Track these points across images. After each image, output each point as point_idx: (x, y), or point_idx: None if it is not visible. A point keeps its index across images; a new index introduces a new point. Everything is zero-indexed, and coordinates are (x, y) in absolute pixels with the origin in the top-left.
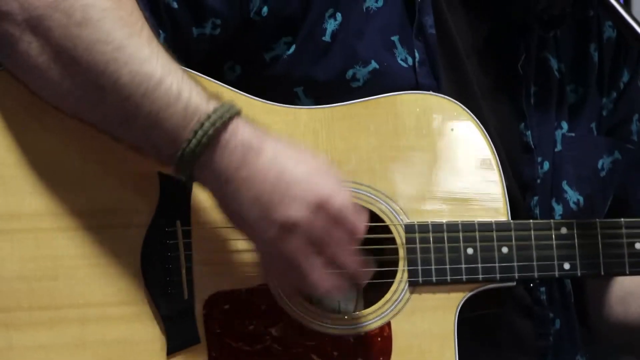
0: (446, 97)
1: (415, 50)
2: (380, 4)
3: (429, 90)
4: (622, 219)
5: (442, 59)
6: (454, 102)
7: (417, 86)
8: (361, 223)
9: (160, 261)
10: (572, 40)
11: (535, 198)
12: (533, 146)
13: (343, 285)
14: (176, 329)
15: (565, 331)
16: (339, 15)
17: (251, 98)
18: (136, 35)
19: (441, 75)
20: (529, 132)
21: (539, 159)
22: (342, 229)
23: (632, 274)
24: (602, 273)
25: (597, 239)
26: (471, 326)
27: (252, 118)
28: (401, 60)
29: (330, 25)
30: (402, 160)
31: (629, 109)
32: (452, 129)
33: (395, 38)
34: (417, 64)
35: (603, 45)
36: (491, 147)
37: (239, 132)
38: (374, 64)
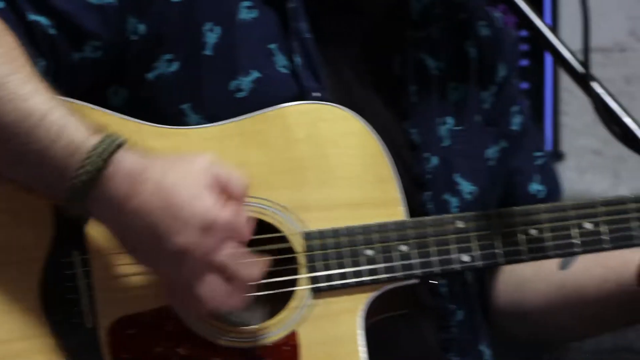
0: (333, 104)
1: (294, 56)
2: (254, 14)
3: (314, 94)
4: (515, 207)
5: (322, 63)
6: (342, 108)
7: (301, 91)
8: (249, 232)
9: (60, 293)
10: (449, 40)
11: (428, 193)
12: (419, 143)
13: (247, 299)
14: (82, 359)
15: (468, 322)
16: (217, 29)
17: (140, 123)
18: (17, 71)
19: (324, 79)
20: (413, 130)
21: (427, 155)
22: (234, 245)
23: (530, 259)
24: (501, 262)
25: (493, 229)
26: (378, 329)
27: (140, 144)
28: (282, 67)
29: (211, 39)
30: (296, 170)
31: (508, 101)
32: (342, 135)
33: (273, 46)
34: (297, 68)
35: (480, 42)
36: (382, 149)
37: (124, 163)
38: (255, 74)
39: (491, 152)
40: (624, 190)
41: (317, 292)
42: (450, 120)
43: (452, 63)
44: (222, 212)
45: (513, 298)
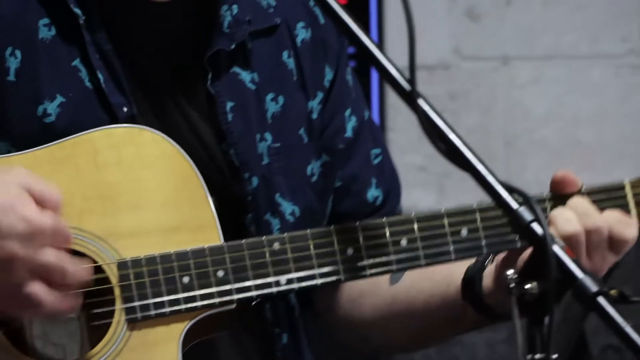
0: (143, 127)
1: (98, 71)
2: (53, 31)
3: (122, 109)
4: (332, 226)
5: (130, 78)
6: (152, 131)
7: (109, 107)
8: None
9: None
10: (265, 50)
11: (249, 215)
12: (238, 164)
13: (76, 304)
14: None
15: (292, 346)
16: (18, 52)
17: None
18: None
19: (131, 94)
20: (231, 151)
21: (247, 176)
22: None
23: (347, 280)
24: (319, 284)
25: (309, 249)
26: (199, 353)
27: None
28: (87, 84)
29: (12, 64)
30: (108, 196)
31: (339, 105)
32: (153, 158)
33: (76, 62)
34: (102, 84)
35: (298, 50)
36: (195, 171)
37: None
38: (59, 98)
39: (313, 167)
40: (449, 205)
41: (133, 323)
42: (269, 137)
43: (268, 74)
44: (42, 218)
45: (349, 311)
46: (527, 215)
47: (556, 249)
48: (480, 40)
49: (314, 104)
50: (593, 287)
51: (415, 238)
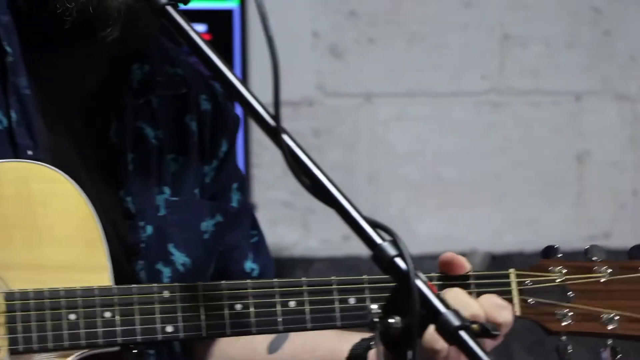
0: (45, 164)
1: (11, 111)
2: None
3: (27, 152)
4: (223, 282)
5: (42, 122)
6: (52, 169)
7: (14, 147)
8: None
9: None
10: (170, 111)
11: (141, 262)
12: (134, 212)
13: None
14: None
15: None
16: None
17: None
18: None
19: (39, 138)
20: (129, 199)
21: (142, 224)
22: None
23: (233, 334)
24: (204, 335)
25: (198, 301)
26: None
27: None
28: (3, 117)
29: None
30: (2, 228)
31: (229, 177)
32: (52, 196)
33: None
34: (13, 124)
35: (201, 116)
36: (93, 213)
37: None
38: None
39: (207, 225)
40: (313, 241)
41: (16, 355)
42: (167, 190)
43: (172, 134)
44: None
45: None
46: (391, 250)
47: (419, 283)
48: (344, 77)
49: (209, 169)
50: (455, 321)
51: (304, 301)
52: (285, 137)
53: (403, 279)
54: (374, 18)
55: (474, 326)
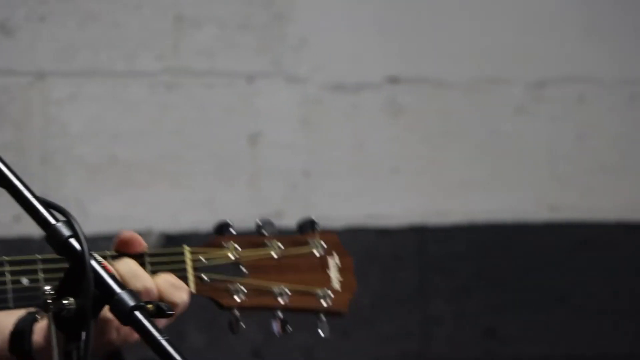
0: None
1: None
2: None
3: None
4: None
5: None
6: None
7: None
8: None
9: None
10: None
11: None
12: None
13: None
14: None
15: None
16: None
17: None
18: None
19: None
20: None
21: None
22: None
23: None
24: None
25: None
26: None
27: None
28: None
29: None
30: None
31: None
32: None
33: None
34: None
35: None
36: None
37: None
38: None
39: None
40: None
41: None
42: None
43: None
44: None
45: None
46: (65, 230)
47: (94, 264)
48: (14, 54)
49: None
50: (130, 302)
51: None
52: None
53: (77, 260)
54: None
55: (149, 306)
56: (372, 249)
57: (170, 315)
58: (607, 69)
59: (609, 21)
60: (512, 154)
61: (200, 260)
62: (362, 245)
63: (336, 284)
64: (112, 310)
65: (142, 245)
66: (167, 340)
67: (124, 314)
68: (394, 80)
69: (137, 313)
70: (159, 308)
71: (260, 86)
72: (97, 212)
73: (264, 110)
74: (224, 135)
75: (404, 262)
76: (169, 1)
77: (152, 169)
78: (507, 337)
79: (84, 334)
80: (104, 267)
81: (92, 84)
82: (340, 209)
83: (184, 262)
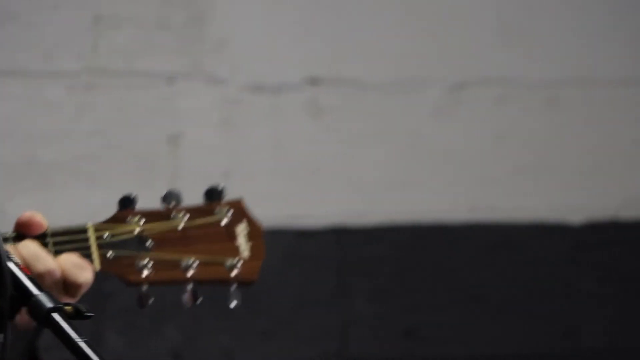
0: None
1: None
2: None
3: None
4: None
5: None
6: None
7: None
8: None
9: None
10: None
11: None
12: None
13: None
14: None
15: None
16: None
17: None
18: None
19: None
20: None
21: None
22: None
23: None
24: None
25: None
26: None
27: None
28: None
29: None
30: None
31: None
32: None
33: None
34: None
35: None
36: None
37: None
38: None
39: None
40: None
41: None
42: None
43: None
44: None
45: None
46: None
47: (12, 265)
48: None
49: None
50: (48, 304)
51: None
52: None
53: None
54: None
55: (67, 308)
56: (292, 250)
57: (89, 317)
58: (525, 71)
59: (527, 23)
60: (431, 155)
61: (104, 236)
62: (282, 246)
63: (245, 252)
64: (29, 312)
65: (43, 225)
66: (85, 342)
67: (42, 316)
68: (313, 81)
69: (55, 315)
70: (77, 310)
71: (180, 87)
72: (14, 212)
73: (183, 111)
74: (144, 136)
75: (324, 263)
76: (87, 1)
77: (71, 170)
78: (427, 337)
79: (1, 337)
80: (22, 269)
81: (10, 83)
82: (260, 209)
83: (87, 239)
